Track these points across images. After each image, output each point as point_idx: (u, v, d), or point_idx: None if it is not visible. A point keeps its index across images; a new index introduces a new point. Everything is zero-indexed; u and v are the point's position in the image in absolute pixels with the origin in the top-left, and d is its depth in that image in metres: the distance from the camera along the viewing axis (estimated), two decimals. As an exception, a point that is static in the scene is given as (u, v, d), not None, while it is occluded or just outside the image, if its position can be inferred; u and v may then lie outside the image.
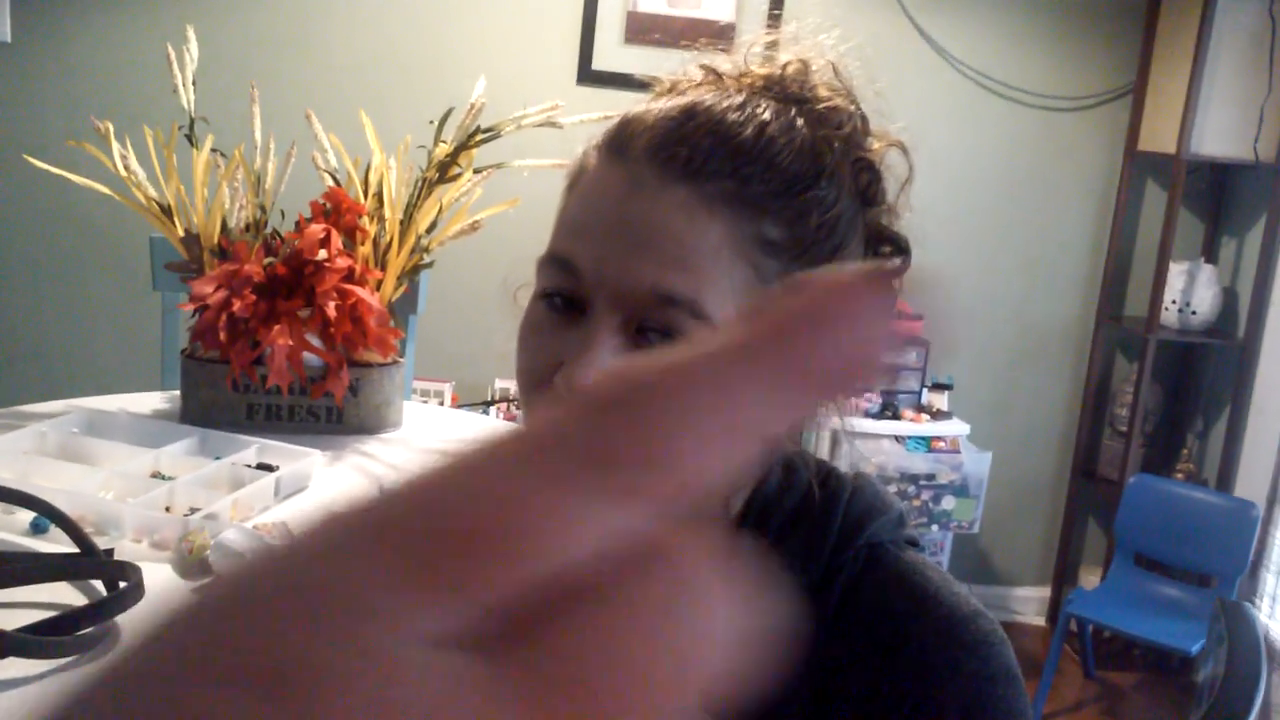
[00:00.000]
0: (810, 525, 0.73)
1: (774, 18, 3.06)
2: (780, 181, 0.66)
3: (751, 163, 0.65)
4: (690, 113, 0.68)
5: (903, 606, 0.70)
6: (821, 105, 0.71)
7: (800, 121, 0.69)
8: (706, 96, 0.69)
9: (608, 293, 0.66)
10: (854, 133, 0.72)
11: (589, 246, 0.67)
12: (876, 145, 0.74)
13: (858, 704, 0.69)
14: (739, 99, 0.69)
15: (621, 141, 0.68)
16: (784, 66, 0.72)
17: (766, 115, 0.68)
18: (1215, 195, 3.61)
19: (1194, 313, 3.45)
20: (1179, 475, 3.58)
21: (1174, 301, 3.45)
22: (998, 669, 0.68)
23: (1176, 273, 3.44)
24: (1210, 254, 3.59)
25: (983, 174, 3.51)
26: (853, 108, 0.73)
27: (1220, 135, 3.29)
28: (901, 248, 0.75)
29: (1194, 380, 3.74)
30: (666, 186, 0.65)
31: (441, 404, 3.11)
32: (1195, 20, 3.19)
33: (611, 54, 3.16)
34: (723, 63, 0.74)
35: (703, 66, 0.73)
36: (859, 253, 0.72)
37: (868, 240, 0.73)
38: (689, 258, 0.64)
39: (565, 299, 0.68)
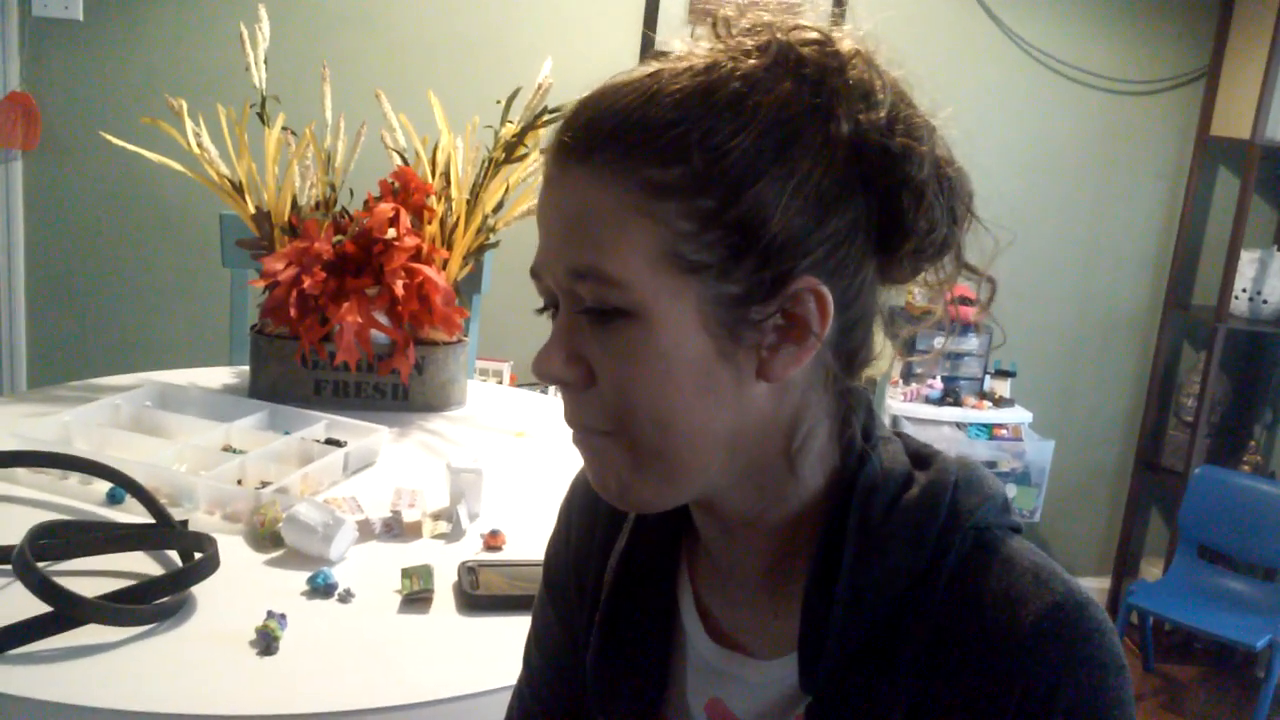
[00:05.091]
0: (916, 508, 0.72)
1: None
2: (658, 125, 0.67)
3: (630, 119, 0.67)
4: (588, 97, 0.71)
5: (1015, 591, 0.68)
6: (740, 28, 0.71)
7: (698, 54, 0.70)
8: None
9: (556, 288, 0.72)
10: (785, 38, 0.69)
11: (538, 251, 0.73)
12: (845, 46, 0.70)
13: (967, 686, 0.67)
14: (653, 66, 0.70)
15: (547, 145, 0.73)
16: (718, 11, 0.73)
17: (656, 68, 0.69)
18: (1290, 182, 3.54)
19: (1265, 302, 3.38)
20: (1245, 467, 3.52)
21: (1244, 290, 3.39)
22: (1110, 658, 0.67)
23: (1247, 260, 3.37)
24: (1283, 242, 3.52)
25: (1051, 158, 3.46)
26: (780, 19, 0.71)
27: (1297, 121, 3.22)
28: (902, 155, 0.69)
29: (1263, 370, 3.67)
30: (565, 173, 0.70)
31: (500, 383, 3.13)
32: (1275, 3, 3.12)
33: (675, 34, 3.15)
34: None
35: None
36: (824, 157, 0.67)
37: (857, 146, 0.68)
38: (588, 230, 0.68)
39: (553, 309, 0.74)
